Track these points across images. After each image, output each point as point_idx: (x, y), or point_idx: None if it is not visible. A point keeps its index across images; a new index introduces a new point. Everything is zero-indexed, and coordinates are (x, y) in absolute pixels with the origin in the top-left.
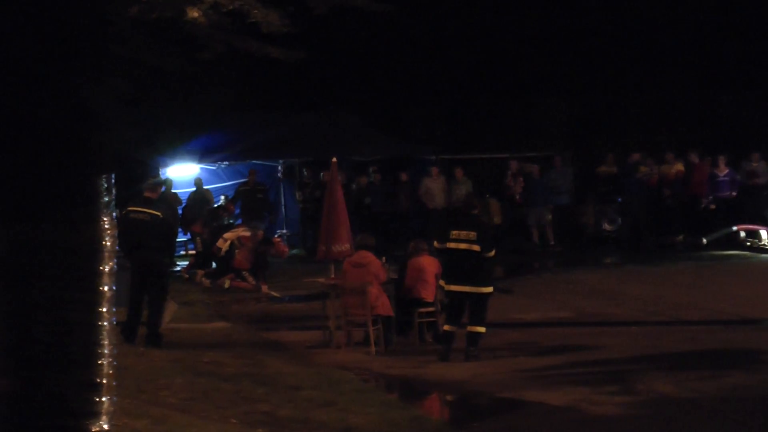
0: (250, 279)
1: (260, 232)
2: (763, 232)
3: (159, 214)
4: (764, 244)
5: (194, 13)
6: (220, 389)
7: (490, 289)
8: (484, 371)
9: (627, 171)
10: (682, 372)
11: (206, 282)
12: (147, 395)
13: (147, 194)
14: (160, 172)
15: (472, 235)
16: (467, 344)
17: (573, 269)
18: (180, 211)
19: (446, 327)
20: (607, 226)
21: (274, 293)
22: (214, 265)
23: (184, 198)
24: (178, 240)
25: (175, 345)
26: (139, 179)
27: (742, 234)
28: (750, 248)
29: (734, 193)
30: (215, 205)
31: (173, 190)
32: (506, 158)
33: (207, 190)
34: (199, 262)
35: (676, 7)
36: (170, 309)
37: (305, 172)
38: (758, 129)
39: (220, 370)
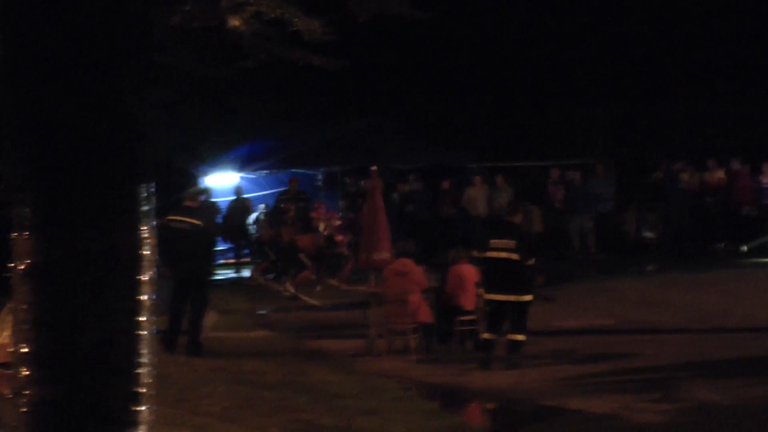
0: (306, 260)
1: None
2: None
3: (200, 223)
4: None
5: (236, 22)
6: (262, 398)
7: (530, 298)
8: (525, 379)
9: (669, 179)
10: (726, 380)
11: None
12: (188, 404)
13: (187, 203)
14: (200, 181)
15: (512, 243)
16: (508, 352)
17: (614, 277)
18: (219, 220)
19: (486, 335)
20: (648, 234)
21: (314, 302)
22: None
23: (223, 207)
24: (217, 249)
25: (216, 354)
26: (180, 188)
27: None
28: None
29: None
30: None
31: (212, 199)
32: (548, 166)
33: (247, 198)
34: (276, 268)
35: (716, 15)
36: (210, 318)
37: (348, 180)
38: None
39: (262, 379)
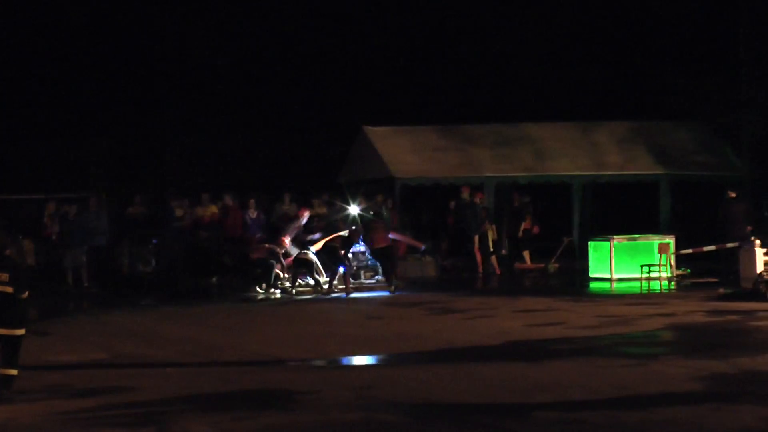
0: None
1: None
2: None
3: None
4: (287, 286)
5: None
6: None
7: (22, 331)
8: (19, 415)
9: (164, 213)
10: (219, 413)
11: None
12: None
13: None
14: None
15: (5, 276)
16: (0, 387)
17: (109, 311)
18: None
19: None
20: (142, 268)
21: None
22: None
23: None
24: None
25: None
26: None
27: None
28: (283, 290)
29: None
30: None
31: None
32: (43, 199)
33: None
34: None
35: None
36: None
37: None
38: (290, 171)
39: None
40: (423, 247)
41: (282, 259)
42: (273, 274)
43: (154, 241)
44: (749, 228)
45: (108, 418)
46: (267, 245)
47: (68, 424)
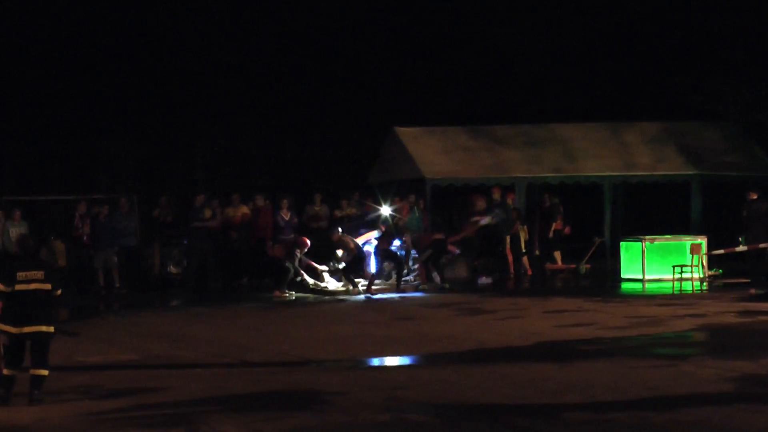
0: None
1: None
2: (326, 275)
3: None
4: (326, 287)
5: None
6: None
7: (52, 329)
8: (49, 415)
9: (192, 213)
10: (247, 413)
11: None
12: None
13: None
14: None
15: (40, 274)
16: (31, 388)
17: (139, 312)
18: None
19: (7, 371)
20: (172, 269)
21: None
22: None
23: None
24: None
25: None
26: None
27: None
28: (313, 290)
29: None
30: None
31: None
32: (74, 200)
33: None
34: None
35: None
36: None
37: None
38: (320, 172)
39: None
40: (457, 251)
41: (299, 261)
42: (286, 278)
43: (184, 241)
44: None
45: (138, 419)
46: (289, 239)
47: (98, 424)
